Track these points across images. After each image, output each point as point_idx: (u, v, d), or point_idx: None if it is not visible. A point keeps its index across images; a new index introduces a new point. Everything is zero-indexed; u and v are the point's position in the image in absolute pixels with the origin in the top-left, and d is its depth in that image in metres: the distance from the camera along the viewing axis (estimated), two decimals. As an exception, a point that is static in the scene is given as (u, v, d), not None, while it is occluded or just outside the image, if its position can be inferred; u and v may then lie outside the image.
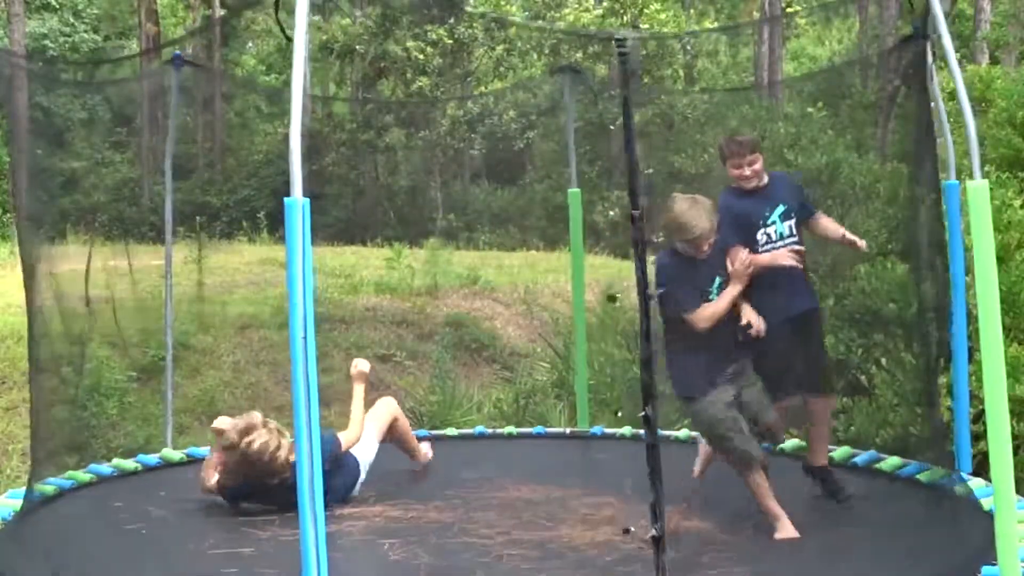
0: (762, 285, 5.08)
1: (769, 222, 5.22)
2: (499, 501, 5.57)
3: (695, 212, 4.93)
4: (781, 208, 5.25)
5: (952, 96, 5.63)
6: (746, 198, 5.26)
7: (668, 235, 5.04)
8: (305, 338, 3.25)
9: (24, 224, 6.06)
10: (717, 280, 5.05)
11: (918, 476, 5.60)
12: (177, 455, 6.68)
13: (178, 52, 7.01)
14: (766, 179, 5.33)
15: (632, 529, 4.79)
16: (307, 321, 3.27)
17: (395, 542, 4.87)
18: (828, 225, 5.50)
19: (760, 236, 5.19)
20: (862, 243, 5.34)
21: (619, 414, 4.42)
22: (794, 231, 5.26)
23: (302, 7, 3.39)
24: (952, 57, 4.11)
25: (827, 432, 5.64)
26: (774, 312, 5.07)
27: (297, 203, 3.31)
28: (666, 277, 4.97)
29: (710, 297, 5.02)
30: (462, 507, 5.45)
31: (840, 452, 6.41)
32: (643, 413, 3.73)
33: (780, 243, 5.21)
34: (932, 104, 5.35)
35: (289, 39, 3.53)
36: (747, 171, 5.23)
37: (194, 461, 6.64)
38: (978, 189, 3.93)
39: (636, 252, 3.74)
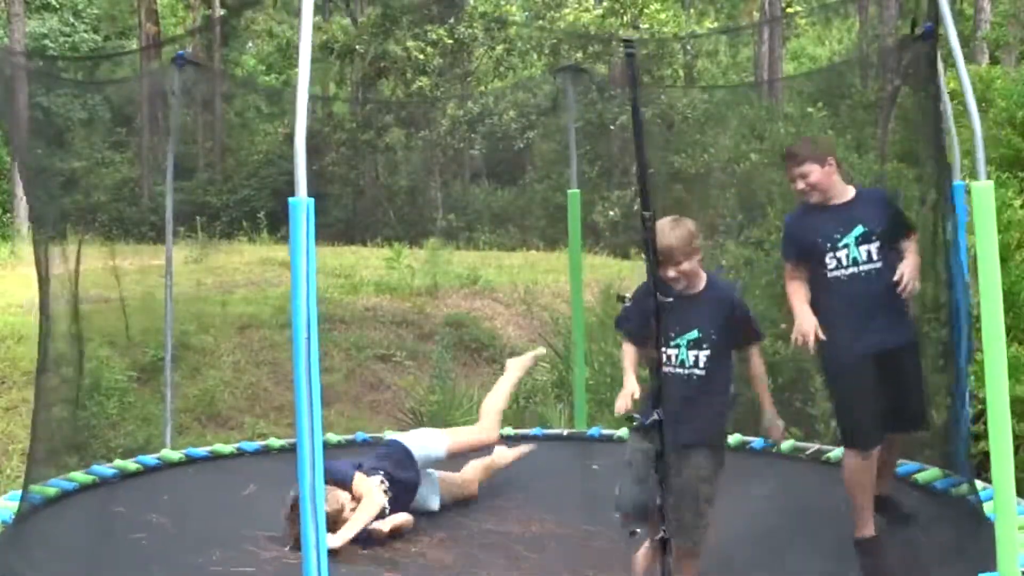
0: (835, 317, 4.54)
1: (840, 244, 4.62)
2: (499, 521, 5.54)
3: (663, 232, 4.10)
4: (860, 229, 4.62)
5: (952, 96, 5.62)
6: (815, 215, 4.72)
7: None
8: (309, 338, 3.24)
9: (33, 224, 6.05)
10: (689, 335, 4.19)
11: (915, 476, 5.58)
12: (176, 455, 6.67)
13: (181, 51, 6.98)
14: (849, 194, 4.73)
15: (638, 531, 4.77)
16: (311, 321, 3.26)
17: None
18: (905, 253, 4.71)
19: (829, 260, 4.62)
20: (906, 284, 4.58)
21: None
22: (875, 256, 4.62)
23: (307, 7, 3.36)
24: (959, 57, 4.10)
25: (895, 461, 5.12)
26: (847, 349, 4.57)
27: (301, 203, 3.29)
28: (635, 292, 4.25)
29: (670, 343, 4.18)
30: (462, 536, 5.38)
31: (838, 452, 6.41)
32: (654, 417, 3.60)
33: (854, 268, 4.60)
34: (940, 104, 5.29)
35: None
36: (799, 184, 4.71)
37: (193, 461, 6.64)
38: (983, 189, 3.92)
39: (647, 254, 3.68)
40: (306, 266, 3.25)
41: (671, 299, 3.88)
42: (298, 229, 3.28)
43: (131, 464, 6.43)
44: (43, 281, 5.47)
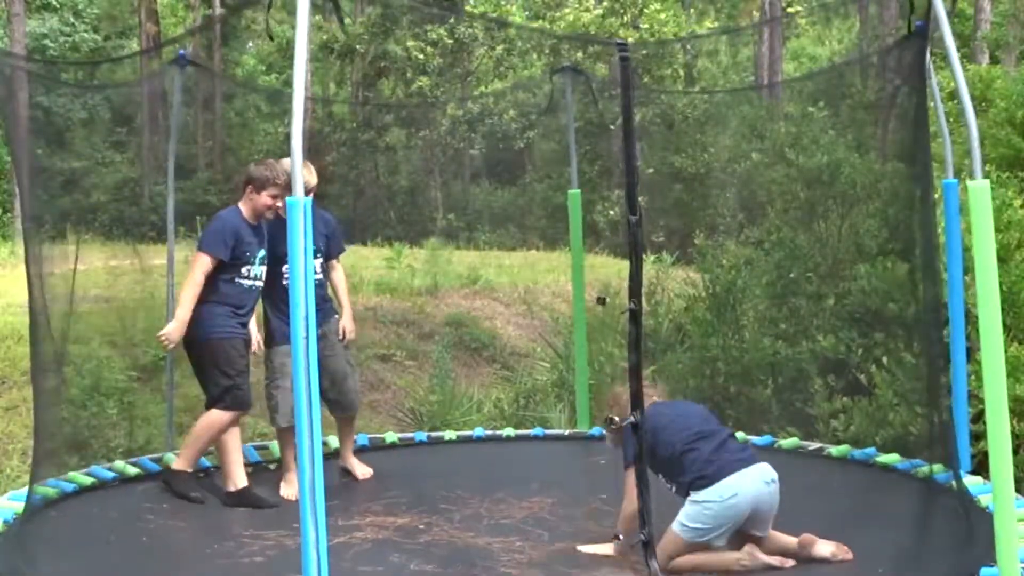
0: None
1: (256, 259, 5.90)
2: (500, 518, 5.55)
3: (278, 169, 5.79)
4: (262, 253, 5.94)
5: (951, 96, 5.64)
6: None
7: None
8: (307, 338, 3.25)
9: (27, 225, 6.07)
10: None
11: (915, 471, 5.59)
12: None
13: (183, 51, 6.96)
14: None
15: (620, 536, 4.77)
16: (308, 321, 3.27)
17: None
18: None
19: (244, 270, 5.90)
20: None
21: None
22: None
23: (303, 7, 3.38)
24: (954, 56, 4.08)
25: None
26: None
27: (298, 203, 3.31)
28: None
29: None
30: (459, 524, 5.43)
31: (839, 449, 6.43)
32: (631, 419, 3.68)
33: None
34: (931, 103, 5.30)
35: (272, 38, 3.53)
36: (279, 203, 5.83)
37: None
38: (979, 189, 3.90)
39: (632, 256, 3.70)
40: (304, 265, 3.26)
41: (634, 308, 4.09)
42: (295, 228, 3.29)
43: (130, 467, 6.43)
44: (33, 280, 5.47)
